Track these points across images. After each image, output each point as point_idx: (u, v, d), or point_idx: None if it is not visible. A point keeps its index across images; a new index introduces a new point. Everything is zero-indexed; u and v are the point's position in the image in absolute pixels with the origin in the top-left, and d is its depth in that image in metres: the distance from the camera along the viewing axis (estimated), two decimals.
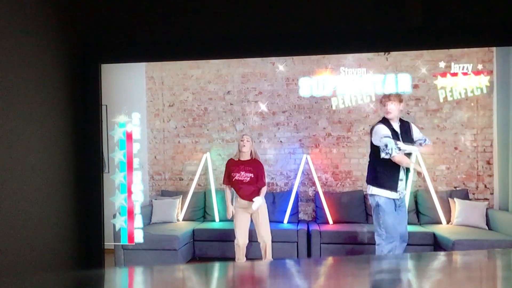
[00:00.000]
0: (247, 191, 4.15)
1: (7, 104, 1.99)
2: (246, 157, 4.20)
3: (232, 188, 4.24)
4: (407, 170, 3.75)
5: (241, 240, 4.17)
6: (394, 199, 3.71)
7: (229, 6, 2.50)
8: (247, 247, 4.27)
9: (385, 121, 3.75)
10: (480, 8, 2.49)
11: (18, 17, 2.06)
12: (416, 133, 3.83)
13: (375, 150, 3.77)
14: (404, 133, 3.75)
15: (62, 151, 2.40)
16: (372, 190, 3.77)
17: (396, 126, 3.75)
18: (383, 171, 3.74)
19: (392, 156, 3.64)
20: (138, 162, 3.25)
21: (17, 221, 2.08)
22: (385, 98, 3.79)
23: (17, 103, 2.07)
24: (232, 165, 4.21)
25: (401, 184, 3.72)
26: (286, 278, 1.13)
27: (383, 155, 3.67)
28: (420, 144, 3.81)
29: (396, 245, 3.72)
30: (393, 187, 3.70)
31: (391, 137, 3.67)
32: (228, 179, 4.23)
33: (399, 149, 3.65)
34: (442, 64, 4.53)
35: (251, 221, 4.24)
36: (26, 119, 2.13)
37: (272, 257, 4.29)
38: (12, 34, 2.02)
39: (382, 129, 3.71)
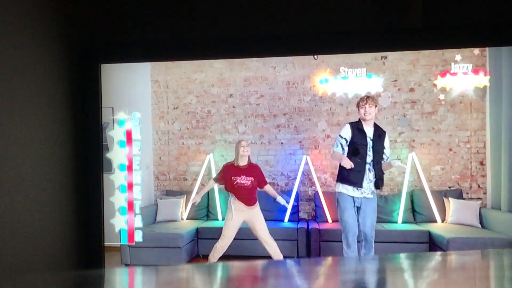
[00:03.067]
0: (247, 195, 4.03)
1: (6, 104, 1.90)
2: (244, 161, 4.06)
3: (232, 193, 4.09)
4: (377, 173, 3.66)
5: (226, 242, 4.04)
6: (353, 197, 3.67)
7: (229, 6, 2.38)
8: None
9: (358, 122, 3.73)
10: (480, 8, 2.35)
11: (17, 17, 1.96)
12: (386, 144, 3.78)
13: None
14: (377, 137, 3.70)
15: (62, 151, 2.30)
16: (336, 186, 3.79)
17: (369, 129, 3.70)
18: (342, 167, 3.72)
19: (332, 151, 3.76)
20: (138, 162, 3.15)
21: (17, 221, 1.99)
22: (362, 101, 3.73)
23: (16, 103, 1.97)
24: (232, 170, 4.06)
25: (367, 185, 3.65)
26: (288, 278, 1.10)
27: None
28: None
29: (351, 242, 3.70)
30: (353, 184, 3.65)
31: (347, 140, 3.70)
32: (227, 184, 4.08)
33: (342, 150, 3.71)
34: (436, 69, 4.51)
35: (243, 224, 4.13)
36: (26, 119, 2.03)
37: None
38: (11, 34, 1.92)
39: (344, 129, 3.76)
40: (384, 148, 3.74)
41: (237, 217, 4.05)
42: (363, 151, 3.66)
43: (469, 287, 0.97)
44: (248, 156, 4.07)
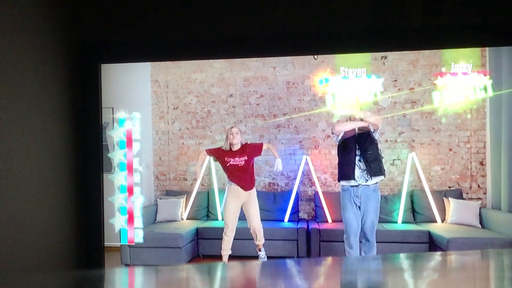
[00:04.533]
0: (242, 175, 4.05)
1: (5, 105, 1.88)
2: (237, 148, 4.09)
3: (227, 175, 4.16)
4: (367, 161, 3.70)
5: (230, 227, 4.09)
6: (353, 191, 3.71)
7: (229, 6, 2.37)
8: (247, 245, 4.20)
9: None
10: (480, 8, 2.34)
11: (17, 17, 1.95)
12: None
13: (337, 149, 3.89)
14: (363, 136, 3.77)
15: (62, 151, 2.29)
16: (340, 185, 3.87)
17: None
18: (339, 163, 3.84)
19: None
20: (138, 162, 3.15)
21: (17, 221, 1.97)
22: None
23: (16, 103, 1.96)
24: (224, 153, 4.09)
25: (360, 174, 3.70)
26: (288, 278, 1.10)
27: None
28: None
29: (353, 242, 3.74)
30: (347, 178, 3.73)
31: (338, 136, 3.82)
32: (222, 165, 4.13)
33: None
34: (436, 69, 4.51)
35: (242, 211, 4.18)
36: (26, 119, 2.02)
37: (273, 255, 4.23)
38: (10, 34, 1.91)
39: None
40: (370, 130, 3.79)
41: (232, 201, 4.08)
42: (351, 144, 3.73)
43: (469, 287, 0.96)
44: (241, 142, 4.10)
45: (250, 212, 4.10)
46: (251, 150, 4.09)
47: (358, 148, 3.72)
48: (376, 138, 3.72)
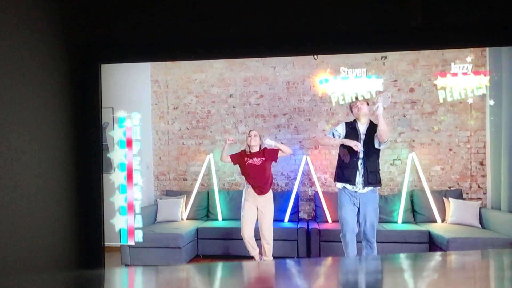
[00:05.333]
0: (258, 175, 4.09)
1: (5, 105, 1.89)
2: (255, 150, 4.14)
3: (244, 177, 4.20)
4: (368, 168, 3.71)
5: (246, 232, 4.09)
6: (351, 193, 3.73)
7: (229, 6, 2.37)
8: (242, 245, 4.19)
9: (353, 121, 3.84)
10: (480, 8, 2.34)
11: (17, 17, 1.95)
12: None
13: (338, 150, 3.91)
14: (370, 133, 3.76)
15: (62, 151, 2.29)
16: (336, 185, 3.87)
17: (362, 126, 3.79)
18: (339, 164, 3.84)
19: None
20: (138, 162, 3.15)
21: (17, 221, 1.97)
22: (353, 102, 3.92)
23: (16, 103, 1.96)
24: (245, 154, 4.17)
25: (360, 179, 3.71)
26: (288, 278, 1.10)
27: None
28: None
29: (348, 240, 3.75)
30: (347, 181, 3.74)
31: (340, 136, 3.81)
32: (240, 165, 4.20)
33: (338, 136, 3.82)
34: (436, 69, 4.50)
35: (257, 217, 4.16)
36: (26, 119, 2.02)
37: (273, 255, 4.19)
38: (11, 34, 1.91)
39: (339, 126, 3.88)
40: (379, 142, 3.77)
41: (249, 205, 4.10)
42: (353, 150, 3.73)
43: (469, 287, 0.96)
44: (260, 145, 4.15)
45: (262, 219, 4.10)
46: (269, 153, 4.14)
47: (362, 151, 3.72)
48: (378, 147, 3.72)
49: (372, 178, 3.69)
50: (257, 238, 4.17)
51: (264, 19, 2.36)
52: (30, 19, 2.04)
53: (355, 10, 2.36)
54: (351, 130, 3.78)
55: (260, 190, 4.07)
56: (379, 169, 3.78)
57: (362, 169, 3.70)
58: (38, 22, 2.09)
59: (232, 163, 4.26)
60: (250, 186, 4.10)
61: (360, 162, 3.70)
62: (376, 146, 3.70)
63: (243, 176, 4.21)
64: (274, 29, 2.36)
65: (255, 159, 4.09)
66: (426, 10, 2.35)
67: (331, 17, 2.36)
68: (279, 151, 4.12)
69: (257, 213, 4.11)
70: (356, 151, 3.69)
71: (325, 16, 2.36)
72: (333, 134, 3.86)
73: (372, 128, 3.75)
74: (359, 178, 3.70)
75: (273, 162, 4.17)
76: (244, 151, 4.19)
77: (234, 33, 2.37)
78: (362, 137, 3.74)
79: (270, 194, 4.12)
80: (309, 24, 2.36)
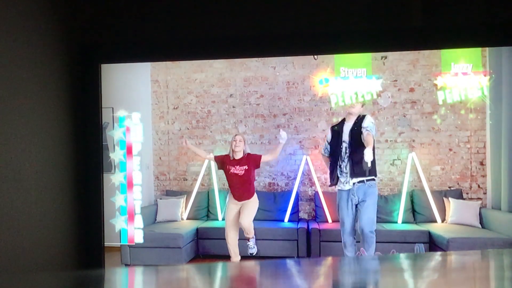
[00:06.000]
0: (240, 185, 4.11)
1: (6, 104, 1.89)
2: (239, 156, 4.14)
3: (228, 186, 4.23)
4: (351, 156, 3.77)
5: (230, 237, 4.16)
6: (345, 191, 3.79)
7: (229, 6, 2.37)
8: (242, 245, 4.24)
9: (339, 122, 3.96)
10: (480, 8, 2.34)
11: (16, 17, 1.95)
12: (365, 125, 3.82)
13: None
14: (354, 130, 3.80)
15: (62, 151, 2.29)
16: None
17: (347, 125, 3.86)
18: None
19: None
20: (138, 162, 3.15)
21: (17, 221, 1.98)
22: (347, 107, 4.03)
23: (16, 103, 1.96)
24: (228, 161, 4.17)
25: (344, 177, 3.78)
26: (288, 278, 1.10)
27: None
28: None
29: (347, 240, 3.84)
30: (332, 180, 3.88)
31: (328, 140, 3.98)
32: (224, 171, 4.20)
33: (327, 141, 3.99)
34: (436, 69, 4.50)
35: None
36: (26, 119, 2.02)
37: (273, 255, 4.24)
38: (11, 34, 1.91)
39: (328, 133, 4.05)
40: (362, 134, 3.77)
41: (232, 207, 4.15)
42: (338, 149, 3.82)
43: (469, 287, 0.96)
44: (244, 151, 4.15)
45: (243, 212, 4.14)
46: (253, 159, 4.14)
47: (344, 150, 3.80)
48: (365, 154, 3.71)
49: (358, 169, 3.71)
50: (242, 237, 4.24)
51: (264, 19, 2.36)
52: (30, 19, 2.04)
53: (355, 10, 2.36)
54: (334, 132, 3.92)
55: (242, 197, 4.12)
56: (367, 160, 3.76)
57: (348, 161, 3.74)
58: (38, 22, 2.10)
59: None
60: (231, 193, 4.16)
61: (338, 162, 3.79)
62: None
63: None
64: (274, 29, 2.36)
65: (237, 167, 4.09)
66: (426, 10, 2.35)
67: (331, 17, 2.36)
68: (263, 157, 4.16)
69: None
70: (339, 150, 3.77)
71: (324, 16, 2.36)
72: (326, 149, 4.00)
73: (356, 124, 3.80)
74: (343, 177, 3.77)
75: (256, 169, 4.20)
76: (228, 156, 4.18)
77: (234, 33, 2.37)
78: (346, 137, 3.79)
79: (253, 197, 4.18)
80: (309, 24, 2.36)
